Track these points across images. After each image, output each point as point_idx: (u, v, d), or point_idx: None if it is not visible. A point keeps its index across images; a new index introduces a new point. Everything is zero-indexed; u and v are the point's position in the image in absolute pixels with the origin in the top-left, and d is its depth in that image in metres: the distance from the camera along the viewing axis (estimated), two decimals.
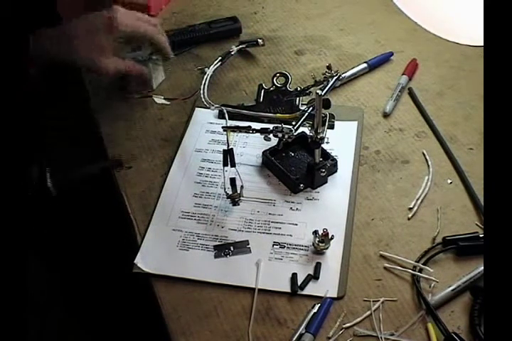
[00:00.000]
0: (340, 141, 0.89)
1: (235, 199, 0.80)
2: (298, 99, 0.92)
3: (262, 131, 0.82)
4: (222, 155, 0.81)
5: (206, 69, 0.96)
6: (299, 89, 0.92)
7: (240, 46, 1.02)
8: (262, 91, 0.94)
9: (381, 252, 0.76)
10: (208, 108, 0.91)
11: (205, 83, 0.93)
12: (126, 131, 0.92)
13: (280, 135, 0.81)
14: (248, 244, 0.77)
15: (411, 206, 0.81)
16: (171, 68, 1.01)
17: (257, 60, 1.03)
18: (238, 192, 0.79)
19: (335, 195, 0.82)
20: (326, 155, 0.83)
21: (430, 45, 1.03)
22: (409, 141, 0.89)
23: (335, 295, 0.72)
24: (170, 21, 1.10)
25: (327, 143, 0.87)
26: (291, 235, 0.78)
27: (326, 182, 0.83)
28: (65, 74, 0.93)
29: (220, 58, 0.99)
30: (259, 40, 1.02)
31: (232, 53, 1.00)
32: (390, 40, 1.05)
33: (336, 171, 0.84)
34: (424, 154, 0.87)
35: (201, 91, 0.92)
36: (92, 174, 0.72)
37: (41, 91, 0.92)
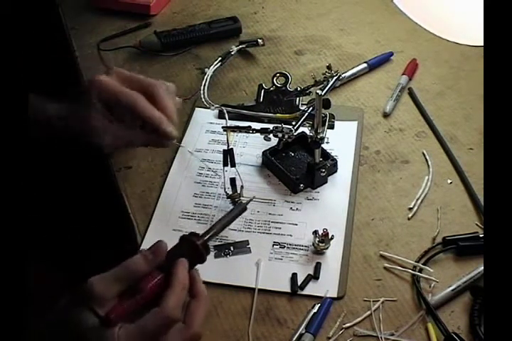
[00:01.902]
0: (340, 141, 0.88)
1: (235, 199, 0.80)
2: (298, 99, 0.92)
3: (262, 131, 0.82)
4: (222, 155, 0.81)
5: (206, 69, 0.96)
6: (299, 89, 0.91)
7: (240, 46, 1.02)
8: (262, 91, 0.93)
9: (381, 252, 0.76)
10: (208, 108, 0.91)
11: (205, 83, 0.93)
12: None
13: (280, 135, 0.81)
14: (248, 244, 0.77)
15: (411, 206, 0.81)
16: (171, 68, 1.01)
17: (257, 60, 1.03)
18: (238, 192, 0.79)
19: (335, 195, 0.82)
20: (326, 155, 0.83)
21: (430, 45, 1.03)
22: (409, 141, 0.89)
23: (335, 295, 0.72)
24: (170, 21, 1.10)
25: (327, 143, 0.87)
26: (291, 235, 0.78)
27: (326, 182, 0.83)
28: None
29: (220, 58, 0.99)
30: (259, 40, 1.02)
31: (232, 53, 1.00)
32: (390, 40, 1.05)
33: (336, 171, 0.84)
34: (424, 154, 0.87)
35: (201, 92, 0.92)
36: None
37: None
